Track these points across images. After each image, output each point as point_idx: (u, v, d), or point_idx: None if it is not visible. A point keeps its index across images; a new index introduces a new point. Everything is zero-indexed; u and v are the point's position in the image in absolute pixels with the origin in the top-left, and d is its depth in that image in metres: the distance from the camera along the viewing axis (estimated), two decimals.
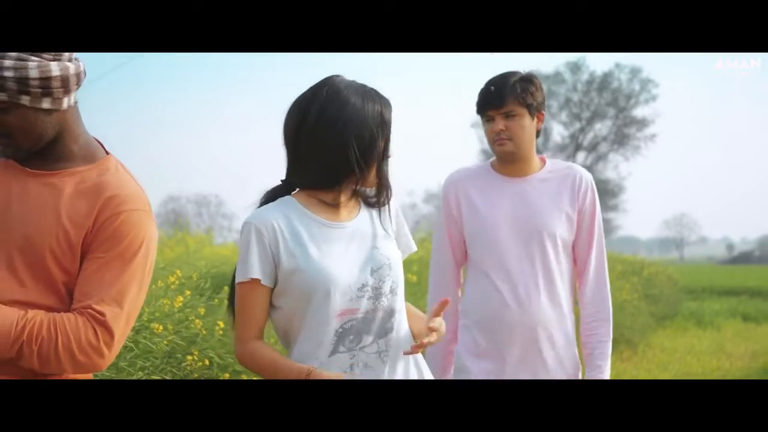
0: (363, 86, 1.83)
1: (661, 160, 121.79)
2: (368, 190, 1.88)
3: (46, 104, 1.57)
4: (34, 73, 1.52)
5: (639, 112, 41.11)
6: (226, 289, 4.56)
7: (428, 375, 1.91)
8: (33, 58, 1.53)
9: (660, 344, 10.04)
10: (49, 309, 1.58)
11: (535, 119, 2.49)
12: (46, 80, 1.54)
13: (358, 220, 1.86)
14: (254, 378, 3.67)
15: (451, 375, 2.64)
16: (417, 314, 1.95)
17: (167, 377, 3.34)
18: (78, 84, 1.61)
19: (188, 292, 3.95)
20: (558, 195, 2.49)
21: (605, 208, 42.87)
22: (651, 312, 11.64)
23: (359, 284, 1.78)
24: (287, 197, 1.84)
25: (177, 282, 4.02)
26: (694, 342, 10.43)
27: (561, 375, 2.49)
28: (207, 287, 4.26)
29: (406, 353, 1.80)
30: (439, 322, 1.83)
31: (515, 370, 2.46)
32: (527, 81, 2.47)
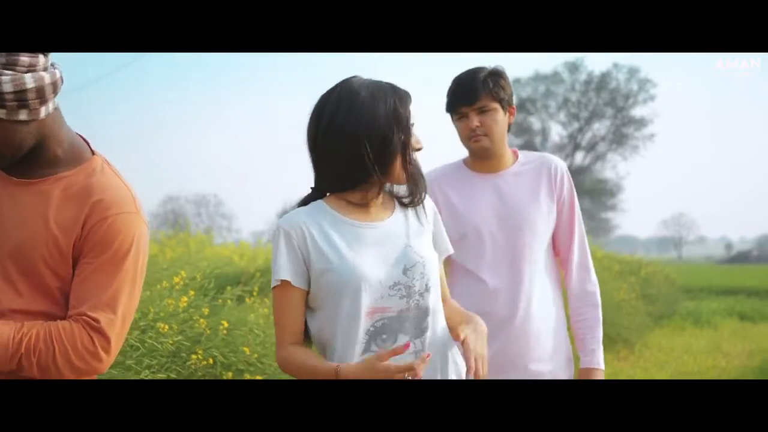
0: (376, 84, 1.81)
1: (659, 159, 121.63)
2: (401, 190, 1.88)
3: (23, 116, 1.54)
4: (7, 87, 1.50)
5: (637, 112, 41.19)
6: (230, 289, 4.64)
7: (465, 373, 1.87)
8: (6, 72, 1.50)
9: (657, 343, 10.08)
10: (46, 315, 1.61)
11: (507, 113, 2.48)
12: (20, 93, 1.51)
13: (391, 220, 1.85)
14: (255, 378, 3.73)
15: None
16: (458, 310, 1.93)
17: (172, 375, 3.40)
18: (55, 92, 1.58)
19: (192, 293, 4.00)
20: (536, 187, 2.49)
21: (604, 208, 42.87)
22: (648, 311, 11.66)
23: (391, 282, 1.76)
24: (318, 201, 1.84)
25: (181, 282, 4.08)
26: (691, 341, 10.46)
27: (552, 368, 2.48)
28: (211, 287, 4.32)
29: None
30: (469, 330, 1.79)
31: (504, 363, 2.41)
32: (497, 75, 2.45)
